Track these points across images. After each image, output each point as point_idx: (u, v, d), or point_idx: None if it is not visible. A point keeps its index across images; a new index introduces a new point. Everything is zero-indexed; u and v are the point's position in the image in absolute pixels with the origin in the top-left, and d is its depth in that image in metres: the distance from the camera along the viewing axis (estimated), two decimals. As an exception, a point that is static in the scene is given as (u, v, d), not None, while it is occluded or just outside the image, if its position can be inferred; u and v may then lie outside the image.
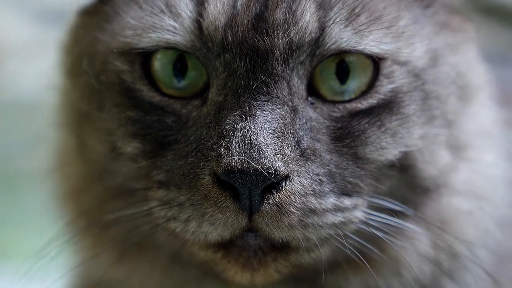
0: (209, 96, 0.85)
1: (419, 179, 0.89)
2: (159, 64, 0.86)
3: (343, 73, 0.85)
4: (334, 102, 0.85)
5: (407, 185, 0.89)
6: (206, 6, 0.84)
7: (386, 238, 0.86)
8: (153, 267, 0.93)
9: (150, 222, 0.87)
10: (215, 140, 0.82)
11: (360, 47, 0.84)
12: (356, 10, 0.85)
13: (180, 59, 0.86)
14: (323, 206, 0.82)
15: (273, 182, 0.80)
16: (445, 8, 0.94)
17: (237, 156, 0.79)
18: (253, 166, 0.79)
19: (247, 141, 0.80)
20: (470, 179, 0.93)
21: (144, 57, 0.87)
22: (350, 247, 0.85)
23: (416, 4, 0.90)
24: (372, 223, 0.86)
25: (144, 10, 0.87)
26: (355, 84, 0.85)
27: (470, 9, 0.99)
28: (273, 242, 0.83)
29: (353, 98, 0.85)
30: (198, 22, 0.84)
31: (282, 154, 0.80)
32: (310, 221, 0.82)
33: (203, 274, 0.92)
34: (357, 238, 0.85)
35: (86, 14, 0.95)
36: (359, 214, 0.85)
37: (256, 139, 0.80)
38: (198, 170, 0.82)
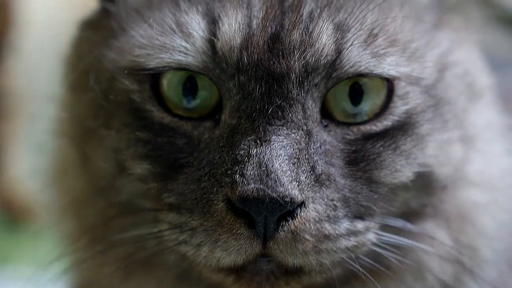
0: (221, 118, 0.83)
1: (436, 182, 0.88)
2: (168, 84, 0.84)
3: (356, 95, 0.84)
4: (348, 125, 0.84)
5: (423, 192, 0.88)
6: (220, 25, 0.82)
7: (397, 259, 0.85)
8: (159, 284, 0.91)
9: (159, 244, 0.85)
10: (229, 166, 0.80)
11: (378, 71, 0.83)
12: (374, 32, 0.83)
13: (190, 78, 0.84)
14: (337, 232, 0.81)
15: (288, 210, 0.78)
16: (448, 10, 0.93)
17: (253, 184, 0.77)
18: (269, 194, 0.77)
19: (262, 168, 0.78)
20: (483, 170, 0.92)
21: (154, 76, 0.84)
22: (365, 264, 0.84)
23: (427, 18, 0.89)
24: (383, 245, 0.85)
25: (153, 28, 0.84)
26: (368, 106, 0.84)
27: (487, 18, 0.98)
28: (286, 267, 0.82)
29: (367, 120, 0.84)
30: (211, 42, 0.82)
31: (298, 181, 0.79)
32: (324, 246, 0.81)
33: None
34: (369, 260, 0.84)
35: (89, 27, 0.93)
36: (371, 237, 0.84)
37: (272, 166, 0.78)
38: (211, 195, 0.80)
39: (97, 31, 0.90)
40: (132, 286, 0.91)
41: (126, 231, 0.87)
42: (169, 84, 0.84)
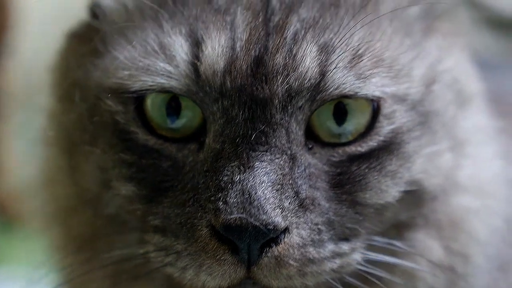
0: (206, 142, 0.82)
1: (426, 194, 0.88)
2: (152, 104, 0.84)
3: (340, 114, 0.83)
4: (333, 146, 0.83)
5: (413, 205, 0.88)
6: (204, 48, 0.81)
7: (385, 275, 0.86)
8: None
9: (145, 263, 0.86)
10: (212, 192, 0.80)
11: (363, 92, 0.82)
12: (360, 52, 0.82)
13: (174, 98, 0.83)
14: (321, 255, 0.81)
15: (272, 237, 0.79)
16: (437, 17, 0.92)
17: (236, 213, 0.77)
18: (252, 223, 0.77)
19: (245, 196, 0.78)
20: (473, 174, 0.92)
21: (138, 98, 0.84)
22: (352, 282, 0.85)
23: (416, 29, 0.88)
24: (370, 264, 0.85)
25: (136, 49, 0.83)
26: (352, 125, 0.83)
27: (474, 20, 0.98)
28: None
29: (352, 141, 0.83)
30: (194, 65, 0.81)
31: (281, 208, 0.79)
32: (309, 269, 0.81)
33: None
34: (354, 280, 0.85)
35: (77, 39, 0.92)
36: (357, 256, 0.84)
37: (255, 194, 0.78)
38: (195, 221, 0.81)
39: (84, 44, 0.90)
40: None
41: (113, 250, 0.87)
42: (153, 105, 0.84)
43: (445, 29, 0.92)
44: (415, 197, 0.87)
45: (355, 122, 0.83)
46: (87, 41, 0.89)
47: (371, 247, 0.85)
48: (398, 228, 0.88)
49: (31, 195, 0.99)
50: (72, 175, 0.91)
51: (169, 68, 0.81)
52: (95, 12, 0.90)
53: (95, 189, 0.88)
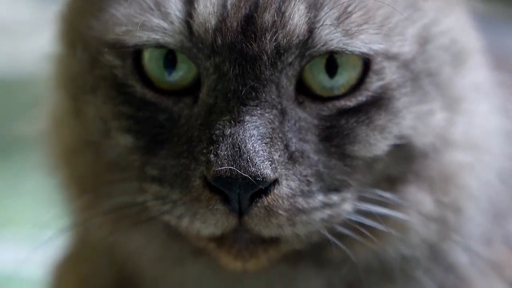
0: (200, 96, 0.85)
1: (415, 151, 0.89)
2: (149, 58, 0.86)
3: (332, 67, 0.85)
4: (323, 99, 0.85)
5: (402, 160, 0.90)
6: (196, 6, 0.83)
7: (377, 226, 0.88)
8: (151, 238, 0.94)
9: (144, 210, 0.89)
10: (205, 145, 0.83)
11: (350, 48, 0.83)
12: (349, 9, 0.84)
13: (171, 51, 0.85)
14: (311, 205, 0.84)
15: (261, 188, 0.81)
16: None
17: (226, 165, 0.80)
18: (241, 174, 0.80)
19: (235, 149, 0.81)
20: (468, 131, 0.93)
21: (135, 52, 0.86)
22: (342, 232, 0.87)
23: None
24: (361, 214, 0.87)
25: (132, 6, 0.85)
26: (344, 78, 0.85)
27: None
28: (263, 237, 0.86)
29: (343, 94, 0.85)
30: (188, 22, 0.83)
31: (271, 161, 0.81)
32: (299, 219, 0.84)
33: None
34: (345, 230, 0.87)
35: None
36: (347, 207, 0.87)
37: (245, 147, 0.81)
38: (189, 172, 0.84)
39: None
40: (123, 237, 0.94)
41: (115, 197, 0.91)
42: (150, 58, 0.86)
43: None
44: (404, 151, 0.88)
45: (346, 75, 0.85)
46: None
47: (362, 198, 0.88)
48: (390, 181, 0.90)
49: (40, 138, 1.01)
50: (76, 118, 0.94)
51: (163, 24, 0.84)
52: None
53: (97, 136, 0.91)
